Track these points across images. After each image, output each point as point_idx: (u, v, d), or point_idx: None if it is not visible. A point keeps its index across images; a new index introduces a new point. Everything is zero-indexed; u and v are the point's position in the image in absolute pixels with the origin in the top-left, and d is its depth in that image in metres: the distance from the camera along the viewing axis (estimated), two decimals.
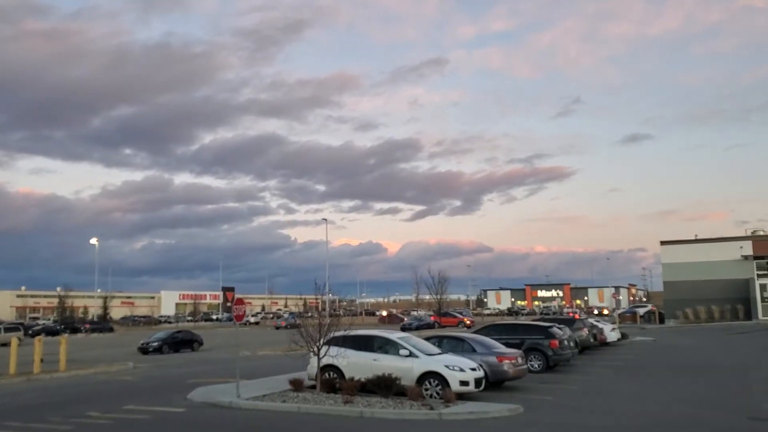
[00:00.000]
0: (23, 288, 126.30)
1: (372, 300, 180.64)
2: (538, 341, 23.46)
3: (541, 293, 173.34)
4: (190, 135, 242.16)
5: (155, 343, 39.35)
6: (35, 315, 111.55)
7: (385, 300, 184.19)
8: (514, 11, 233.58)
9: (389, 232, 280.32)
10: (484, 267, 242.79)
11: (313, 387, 17.06)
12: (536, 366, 22.84)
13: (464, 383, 16.26)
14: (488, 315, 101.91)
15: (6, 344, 37.09)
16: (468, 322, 64.96)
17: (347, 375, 17.05)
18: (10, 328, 54.78)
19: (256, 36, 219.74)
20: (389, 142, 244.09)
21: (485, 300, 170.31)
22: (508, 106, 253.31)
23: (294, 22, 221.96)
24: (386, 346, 17.58)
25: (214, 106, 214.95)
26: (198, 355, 37.56)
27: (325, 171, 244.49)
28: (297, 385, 17.03)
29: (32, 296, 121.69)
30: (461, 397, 15.83)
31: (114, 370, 26.89)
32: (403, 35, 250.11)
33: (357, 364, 17.24)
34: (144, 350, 38.83)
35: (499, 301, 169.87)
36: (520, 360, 19.32)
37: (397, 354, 17.03)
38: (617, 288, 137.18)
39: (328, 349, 16.72)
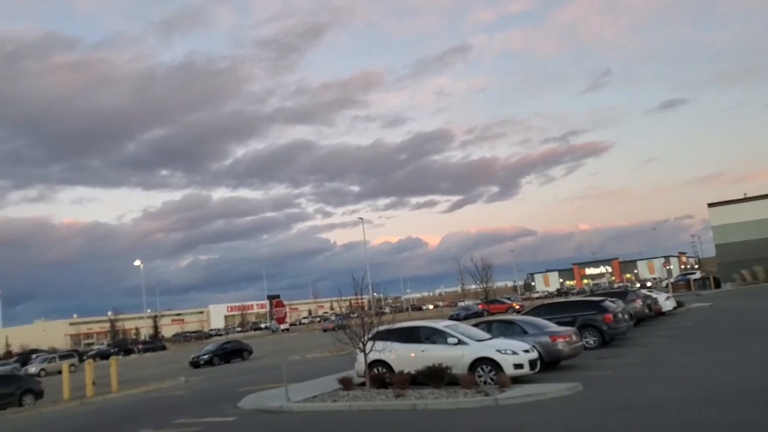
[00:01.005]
0: (75, 316, 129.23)
1: (417, 295, 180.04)
2: (591, 317, 22.65)
3: (590, 271, 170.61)
4: (223, 150, 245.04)
5: (206, 356, 39.52)
6: (89, 341, 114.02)
7: (431, 294, 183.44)
8: None
9: (428, 225, 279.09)
10: (529, 251, 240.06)
11: (363, 384, 16.64)
12: (591, 342, 22.05)
13: (518, 366, 15.63)
14: (537, 298, 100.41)
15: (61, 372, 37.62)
16: (517, 307, 63.91)
17: (396, 368, 16.57)
18: (65, 355, 55.86)
19: (276, 45, 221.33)
20: (419, 135, 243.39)
21: (533, 284, 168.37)
22: (535, 86, 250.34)
23: (312, 26, 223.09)
24: (433, 336, 17.05)
25: (242, 118, 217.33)
26: (248, 364, 37.56)
27: (357, 171, 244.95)
28: (346, 384, 16.62)
29: (84, 323, 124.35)
30: (516, 380, 15.24)
31: (166, 386, 26.92)
32: (422, 27, 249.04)
33: (405, 356, 16.77)
34: (195, 364, 39.02)
35: (547, 284, 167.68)
36: (574, 337, 18.60)
37: (446, 343, 16.47)
38: (667, 258, 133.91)
39: (373, 344, 16.26)
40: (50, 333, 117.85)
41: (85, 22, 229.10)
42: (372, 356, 16.47)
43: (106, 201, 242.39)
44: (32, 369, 50.57)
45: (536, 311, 24.43)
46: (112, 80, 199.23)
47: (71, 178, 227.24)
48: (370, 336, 16.25)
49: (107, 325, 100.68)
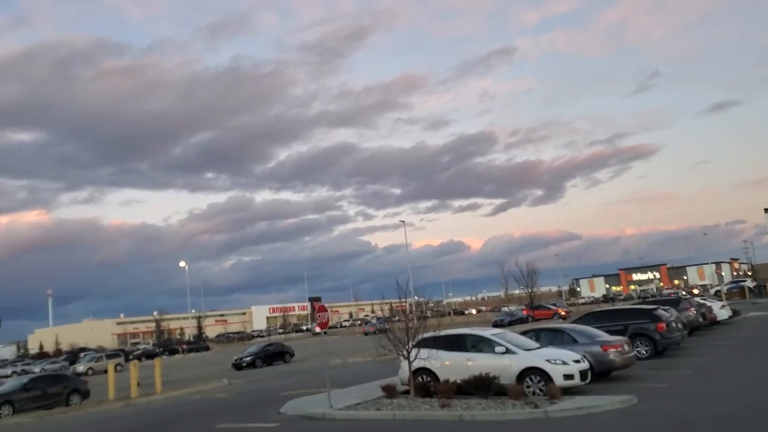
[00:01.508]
0: (122, 315, 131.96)
1: (459, 299, 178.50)
2: (644, 326, 21.82)
3: (637, 276, 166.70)
4: (267, 153, 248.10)
5: (248, 358, 39.64)
6: (135, 340, 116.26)
7: (473, 298, 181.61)
8: None
9: (470, 228, 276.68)
10: (574, 255, 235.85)
11: (407, 392, 16.25)
12: (644, 352, 21.24)
13: (569, 377, 15.05)
14: (583, 304, 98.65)
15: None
16: (563, 313, 62.70)
17: (441, 377, 16.14)
18: (112, 355, 56.88)
19: (320, 49, 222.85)
20: (462, 137, 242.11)
21: (578, 289, 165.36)
22: (581, 88, 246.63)
23: (355, 30, 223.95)
24: (480, 345, 16.57)
25: (286, 122, 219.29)
26: (290, 366, 37.52)
27: (399, 174, 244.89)
28: (390, 391, 16.25)
29: (131, 323, 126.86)
30: (567, 391, 14.65)
31: (209, 388, 26.96)
32: (465, 29, 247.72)
33: (450, 365, 16.33)
34: (238, 366, 39.18)
35: (593, 289, 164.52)
36: (626, 347, 17.89)
37: (493, 351, 15.97)
38: (718, 264, 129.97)
39: (418, 351, 15.87)
40: (98, 332, 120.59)
41: (135, 28, 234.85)
42: (416, 364, 16.08)
43: (154, 203, 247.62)
44: (80, 368, 51.61)
45: (585, 319, 23.69)
46: (159, 85, 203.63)
47: (120, 180, 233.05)
48: (414, 343, 15.87)
49: (153, 325, 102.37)
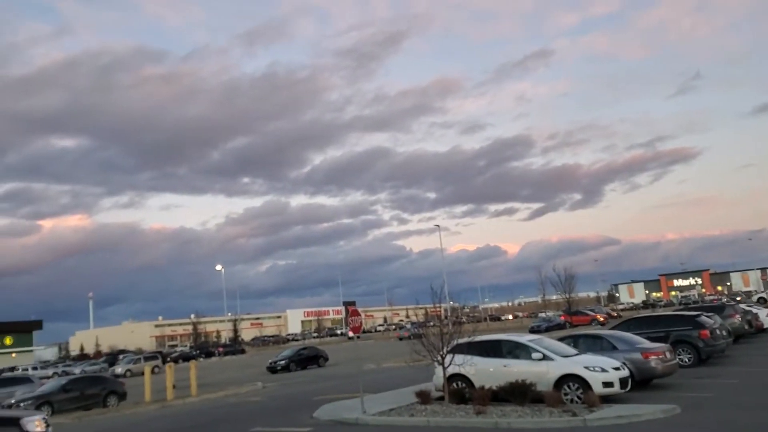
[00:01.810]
0: (160, 318, 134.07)
1: (495, 305, 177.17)
2: (686, 333, 21.15)
3: (678, 282, 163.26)
4: (302, 157, 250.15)
5: (282, 362, 39.73)
6: (173, 343, 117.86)
7: (509, 304, 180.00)
8: None
9: (507, 233, 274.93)
10: (613, 261, 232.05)
11: (441, 398, 15.98)
12: (686, 360, 20.59)
13: (608, 384, 14.62)
14: (622, 310, 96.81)
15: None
16: (601, 319, 61.60)
17: (476, 383, 15.84)
18: (149, 357, 57.59)
19: (355, 54, 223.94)
20: (498, 141, 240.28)
21: (617, 295, 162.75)
22: (621, 91, 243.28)
23: (391, 34, 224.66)
24: (516, 351, 16.22)
25: (321, 127, 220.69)
26: (324, 370, 37.47)
27: (434, 178, 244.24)
28: (424, 397, 16.00)
29: (169, 325, 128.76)
30: (606, 399, 14.24)
31: (243, 392, 27.02)
32: (502, 32, 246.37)
33: (486, 371, 16.02)
34: (272, 369, 39.30)
35: (632, 295, 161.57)
36: (668, 355, 17.34)
37: (530, 358, 15.61)
38: (764, 270, 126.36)
39: (452, 357, 15.59)
40: (137, 334, 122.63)
41: (174, 35, 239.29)
42: (451, 370, 15.81)
43: (192, 207, 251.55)
44: (119, 369, 52.41)
45: (625, 325, 23.08)
46: (198, 91, 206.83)
47: (160, 185, 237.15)
48: (449, 349, 15.60)
49: (190, 328, 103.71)
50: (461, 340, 16.13)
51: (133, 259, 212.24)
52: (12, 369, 65.05)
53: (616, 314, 59.99)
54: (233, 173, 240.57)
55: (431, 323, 17.20)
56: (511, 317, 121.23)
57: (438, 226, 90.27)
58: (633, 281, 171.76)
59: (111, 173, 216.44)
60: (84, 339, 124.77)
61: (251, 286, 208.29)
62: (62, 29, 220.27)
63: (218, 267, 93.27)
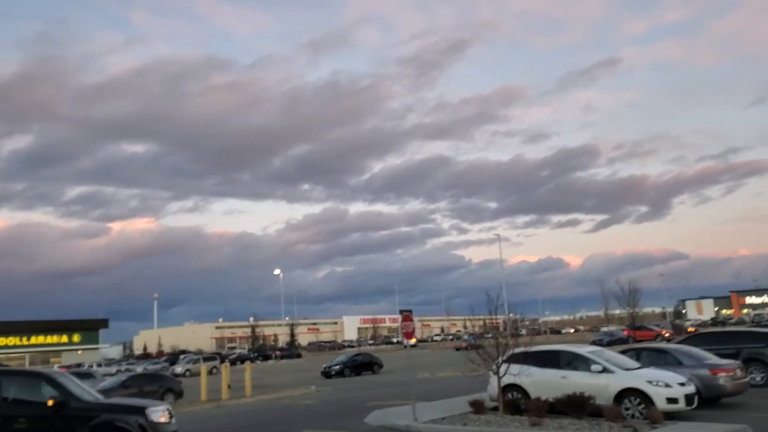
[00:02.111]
0: (220, 320, 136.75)
1: (556, 318, 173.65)
2: (759, 350, 19.96)
3: (750, 300, 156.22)
4: (361, 165, 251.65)
5: (337, 367, 39.76)
6: (232, 345, 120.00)
7: (570, 317, 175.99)
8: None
9: (570, 245, 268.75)
10: (680, 276, 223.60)
11: (495, 408, 15.51)
12: (758, 379, 19.45)
13: (672, 401, 13.89)
14: (690, 326, 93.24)
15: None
16: (666, 334, 59.33)
17: (532, 395, 15.32)
18: (208, 358, 58.69)
19: (417, 62, 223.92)
20: (563, 151, 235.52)
21: (684, 311, 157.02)
22: (692, 100, 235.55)
23: (454, 43, 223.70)
24: (575, 362, 15.62)
25: (381, 135, 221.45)
26: (378, 377, 37.28)
27: (495, 187, 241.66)
28: (477, 407, 15.58)
29: (228, 327, 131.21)
30: (670, 416, 13.51)
31: (297, 394, 27.08)
32: (568, 40, 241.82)
33: (542, 382, 15.47)
34: (327, 374, 39.36)
35: (701, 311, 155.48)
36: (739, 372, 16.40)
37: (589, 370, 14.99)
38: None
39: (508, 367, 15.12)
40: (198, 335, 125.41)
41: (241, 45, 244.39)
42: (506, 380, 15.32)
43: (254, 213, 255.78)
44: (179, 369, 53.56)
45: (692, 340, 22.02)
46: (262, 99, 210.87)
47: (223, 190, 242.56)
48: (504, 358, 15.15)
49: (249, 330, 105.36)
50: (517, 350, 15.65)
51: (197, 262, 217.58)
52: (78, 365, 67.63)
53: (670, 335, 57.62)
54: (294, 180, 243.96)
55: (489, 334, 16.81)
56: (572, 330, 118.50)
57: (498, 235, 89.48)
58: (702, 297, 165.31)
59: (178, 178, 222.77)
60: (147, 338, 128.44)
61: (309, 292, 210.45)
62: (135, 39, 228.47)
63: (276, 271, 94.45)
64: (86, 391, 12.15)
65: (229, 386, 25.64)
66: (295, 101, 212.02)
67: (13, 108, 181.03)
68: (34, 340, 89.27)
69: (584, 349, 16.20)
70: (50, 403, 11.06)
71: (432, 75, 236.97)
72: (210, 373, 29.05)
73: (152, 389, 25.09)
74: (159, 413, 11.36)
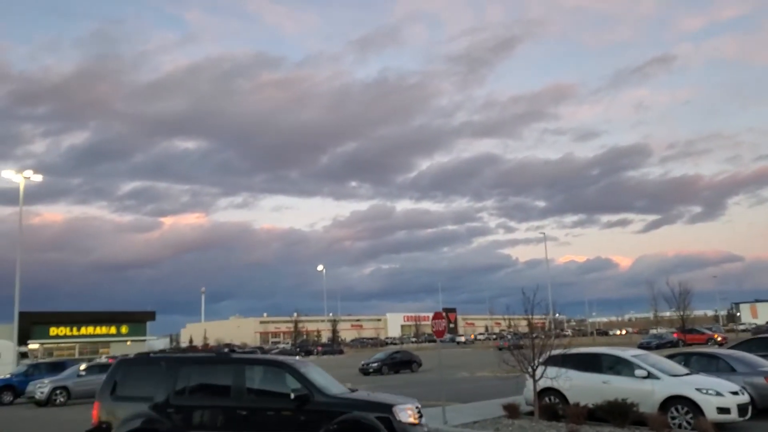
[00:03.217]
0: (265, 315, 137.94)
1: (604, 319, 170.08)
2: None
3: None
4: (409, 163, 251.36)
5: (375, 364, 39.24)
6: (276, 339, 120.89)
7: (618, 319, 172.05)
8: None
9: (619, 245, 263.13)
10: (734, 278, 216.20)
11: (531, 413, 14.68)
12: None
13: (723, 410, 12.84)
14: (743, 331, 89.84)
15: None
16: (719, 338, 57.11)
17: (571, 400, 14.41)
18: (248, 352, 58.78)
19: (467, 59, 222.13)
20: (614, 149, 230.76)
21: (738, 314, 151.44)
22: (749, 98, 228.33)
23: (504, 40, 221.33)
24: (618, 366, 14.66)
25: (429, 132, 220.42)
26: (416, 376, 36.58)
27: (544, 186, 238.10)
28: (512, 411, 14.77)
29: (272, 322, 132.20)
30: (720, 427, 12.51)
31: None
32: (620, 37, 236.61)
33: (582, 387, 14.55)
34: (365, 371, 38.88)
35: (755, 315, 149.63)
36: None
37: (633, 375, 14.03)
38: None
39: (545, 369, 14.24)
40: (243, 329, 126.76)
41: (291, 43, 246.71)
42: (543, 383, 14.46)
43: (301, 209, 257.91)
44: None
45: (747, 345, 20.67)
46: (311, 96, 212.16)
47: (272, 187, 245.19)
48: (541, 360, 14.28)
49: (292, 326, 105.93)
50: (555, 352, 14.77)
51: (245, 257, 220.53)
52: (125, 356, 68.81)
53: (722, 339, 55.22)
54: (342, 177, 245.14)
55: (535, 335, 15.98)
56: (619, 332, 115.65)
57: (543, 233, 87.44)
58: (757, 300, 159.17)
59: (228, 174, 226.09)
60: (194, 331, 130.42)
61: (355, 288, 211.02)
62: (188, 37, 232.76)
63: (319, 267, 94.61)
64: (332, 383, 11.06)
65: None
66: (343, 99, 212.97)
67: (71, 105, 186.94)
68: (84, 330, 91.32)
69: (628, 353, 15.20)
70: (293, 395, 10.10)
71: (481, 72, 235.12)
72: None
73: None
74: (407, 412, 10.14)
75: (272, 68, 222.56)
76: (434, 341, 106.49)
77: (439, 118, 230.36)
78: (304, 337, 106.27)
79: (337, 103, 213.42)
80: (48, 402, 26.21)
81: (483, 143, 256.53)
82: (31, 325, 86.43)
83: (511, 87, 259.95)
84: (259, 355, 12.34)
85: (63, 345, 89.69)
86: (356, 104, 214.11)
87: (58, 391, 26.62)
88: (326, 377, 11.20)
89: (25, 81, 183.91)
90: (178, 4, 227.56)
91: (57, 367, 31.51)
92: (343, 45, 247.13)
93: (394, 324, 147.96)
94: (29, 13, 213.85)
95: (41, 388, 26.74)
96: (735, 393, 13.26)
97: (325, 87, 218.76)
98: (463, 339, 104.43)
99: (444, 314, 17.01)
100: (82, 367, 28.94)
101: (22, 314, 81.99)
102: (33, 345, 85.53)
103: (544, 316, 18.54)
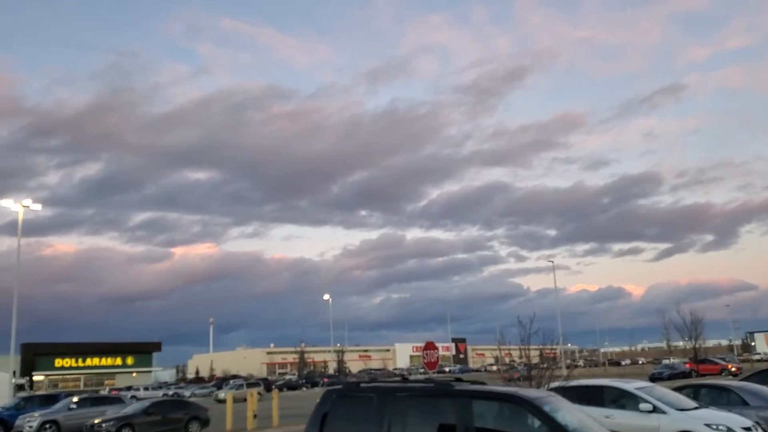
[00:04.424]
0: (272, 345, 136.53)
1: (616, 349, 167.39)
2: None
3: None
4: (419, 192, 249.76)
5: None
6: (283, 371, 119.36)
7: (631, 348, 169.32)
8: (752, 25, 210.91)
9: (631, 274, 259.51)
10: (748, 307, 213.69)
11: None
12: None
13: None
14: (757, 360, 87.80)
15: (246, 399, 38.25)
16: (733, 369, 55.46)
17: None
18: (252, 383, 57.81)
19: (475, 90, 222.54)
20: (624, 178, 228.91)
21: (752, 344, 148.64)
22: (758, 127, 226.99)
23: (513, 70, 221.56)
24: (622, 400, 13.81)
25: (439, 162, 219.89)
26: None
27: (554, 215, 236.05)
28: None
29: (279, 353, 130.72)
30: None
31: None
32: (628, 67, 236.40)
33: None
34: None
35: None
36: None
37: (637, 409, 13.16)
38: None
39: None
40: (249, 360, 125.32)
41: (302, 75, 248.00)
42: None
43: (311, 238, 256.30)
44: (222, 394, 52.69)
45: (759, 377, 19.68)
46: (322, 128, 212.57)
47: (282, 216, 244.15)
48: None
49: (299, 356, 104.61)
50: (554, 384, 13.90)
51: (255, 287, 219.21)
52: (129, 388, 67.92)
53: (736, 369, 53.63)
54: (352, 206, 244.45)
55: (545, 365, 15.17)
56: (630, 362, 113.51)
57: (552, 262, 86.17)
58: None
59: (238, 205, 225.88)
60: (200, 362, 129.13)
61: (365, 318, 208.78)
62: (200, 70, 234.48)
63: (326, 296, 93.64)
64: (589, 425, 8.23)
65: (255, 415, 24.40)
66: (353, 129, 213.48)
67: (85, 137, 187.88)
68: (89, 362, 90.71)
69: (632, 385, 14.32)
70: None
71: (490, 102, 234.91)
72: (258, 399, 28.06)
73: (176, 416, 24.06)
74: None
75: (283, 100, 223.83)
76: (443, 372, 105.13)
77: (448, 147, 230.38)
78: (311, 368, 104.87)
79: (347, 134, 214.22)
80: None
81: (493, 172, 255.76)
82: (36, 357, 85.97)
83: (521, 116, 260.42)
84: (491, 387, 8.95)
85: (68, 376, 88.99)
86: (366, 134, 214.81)
87: (47, 425, 25.88)
88: (581, 417, 8.42)
89: (39, 114, 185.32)
90: (190, 38, 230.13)
91: (50, 399, 30.84)
92: (354, 77, 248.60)
93: (402, 354, 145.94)
94: (44, 46, 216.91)
95: (30, 422, 26.04)
96: (747, 429, 12.35)
97: (335, 118, 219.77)
98: (429, 370, 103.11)
99: (428, 344, 16.16)
100: (74, 399, 28.20)
101: (26, 345, 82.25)
102: (38, 377, 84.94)
103: (553, 346, 17.74)
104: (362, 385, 9.08)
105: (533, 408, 7.80)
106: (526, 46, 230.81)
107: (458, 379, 8.99)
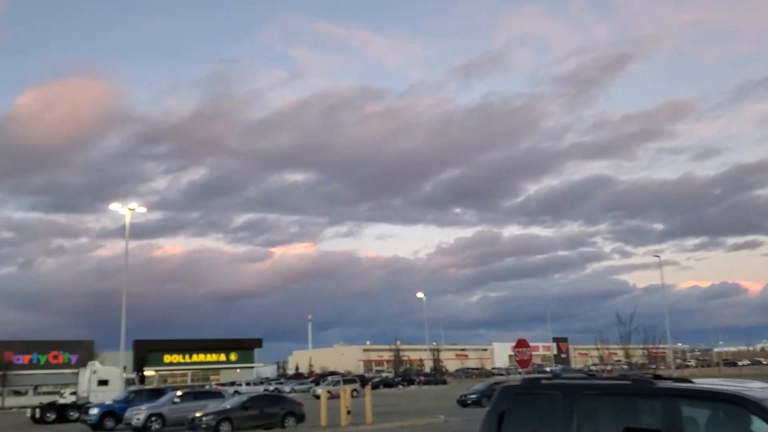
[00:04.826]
0: (368, 342, 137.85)
1: (732, 348, 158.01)
2: None
3: None
4: (515, 187, 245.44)
5: (473, 396, 37.45)
6: (380, 368, 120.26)
7: (749, 348, 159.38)
8: None
9: (748, 269, 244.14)
10: None
11: None
12: None
13: None
14: None
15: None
16: None
17: None
18: (348, 380, 58.36)
19: (575, 80, 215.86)
20: (738, 167, 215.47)
21: None
22: None
23: (614, 58, 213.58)
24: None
25: (536, 156, 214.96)
26: None
27: (661, 208, 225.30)
28: None
29: (375, 350, 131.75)
30: None
31: (421, 424, 25.30)
32: (741, 50, 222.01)
33: None
34: (463, 403, 37.17)
35: None
36: None
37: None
38: None
39: None
40: (346, 357, 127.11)
41: (394, 74, 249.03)
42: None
43: (405, 237, 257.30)
44: (318, 390, 53.54)
45: None
46: (414, 125, 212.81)
47: (376, 215, 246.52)
48: None
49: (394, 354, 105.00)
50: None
51: (350, 286, 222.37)
52: (232, 383, 70.35)
53: None
54: (445, 204, 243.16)
55: (653, 366, 14.11)
56: (748, 363, 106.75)
57: (658, 256, 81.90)
58: None
59: (334, 204, 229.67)
60: (300, 359, 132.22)
61: (461, 317, 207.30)
62: (296, 74, 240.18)
63: (419, 295, 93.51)
64: None
65: (348, 412, 24.40)
66: (446, 125, 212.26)
67: (190, 143, 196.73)
68: (195, 357, 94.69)
69: (750, 390, 13.01)
70: None
71: (591, 93, 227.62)
72: (352, 396, 28.20)
73: (273, 411, 24.48)
74: None
75: (376, 100, 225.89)
76: (544, 372, 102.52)
77: (546, 141, 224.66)
78: (407, 366, 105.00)
79: (440, 130, 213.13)
80: (144, 428, 26.57)
81: (594, 165, 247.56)
82: (147, 353, 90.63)
83: (624, 106, 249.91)
84: (703, 385, 7.02)
85: (176, 372, 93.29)
86: (460, 130, 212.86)
87: (153, 418, 26.93)
88: None
89: (147, 123, 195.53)
90: (286, 43, 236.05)
91: (157, 393, 32.18)
92: (446, 73, 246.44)
93: (501, 354, 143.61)
94: (151, 58, 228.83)
95: (138, 414, 27.18)
96: None
97: (428, 115, 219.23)
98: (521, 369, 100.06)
99: (519, 342, 15.45)
100: (178, 393, 29.25)
101: (138, 342, 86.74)
102: (149, 372, 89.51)
103: (660, 345, 16.54)
104: (543, 381, 8.15)
105: (759, 409, 6.00)
106: (627, 33, 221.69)
107: (657, 376, 7.60)
